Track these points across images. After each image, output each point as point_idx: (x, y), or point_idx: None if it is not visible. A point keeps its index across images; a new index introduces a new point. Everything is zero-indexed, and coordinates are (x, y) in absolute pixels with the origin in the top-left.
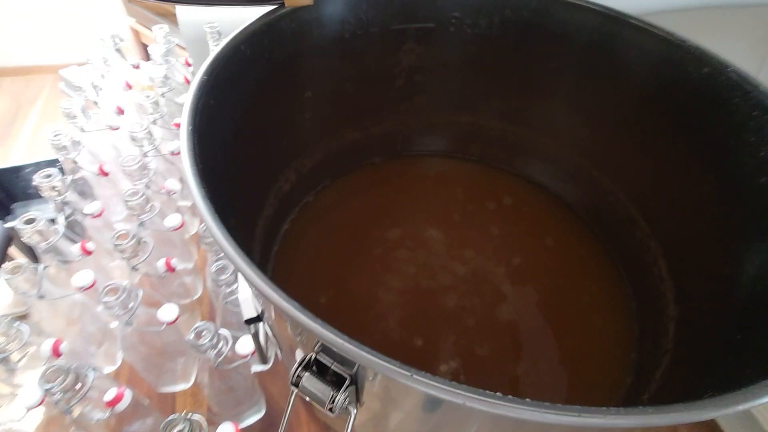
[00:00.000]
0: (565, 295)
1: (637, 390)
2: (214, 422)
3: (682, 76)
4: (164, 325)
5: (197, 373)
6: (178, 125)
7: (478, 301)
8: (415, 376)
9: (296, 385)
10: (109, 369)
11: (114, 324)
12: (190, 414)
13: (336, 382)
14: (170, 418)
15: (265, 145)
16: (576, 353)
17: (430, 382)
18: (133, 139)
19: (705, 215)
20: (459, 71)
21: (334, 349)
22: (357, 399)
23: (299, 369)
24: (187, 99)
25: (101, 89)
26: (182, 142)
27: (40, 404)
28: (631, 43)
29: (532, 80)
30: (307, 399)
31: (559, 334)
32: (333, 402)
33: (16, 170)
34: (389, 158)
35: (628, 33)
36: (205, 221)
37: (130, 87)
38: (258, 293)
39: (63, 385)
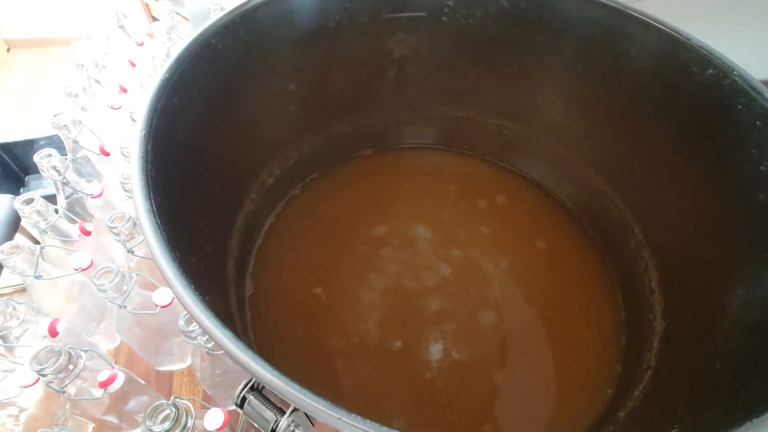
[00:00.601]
0: (552, 301)
1: (616, 405)
2: (208, 406)
3: (685, 76)
4: (158, 309)
5: (190, 357)
6: None
7: (461, 305)
8: (343, 419)
9: (241, 406)
10: (108, 346)
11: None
12: (177, 399)
13: (282, 406)
14: (156, 403)
15: (243, 141)
16: (559, 362)
17: (360, 426)
18: (134, 120)
19: (699, 229)
20: (453, 63)
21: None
22: (311, 422)
23: (244, 390)
24: (143, 101)
25: (104, 67)
26: (133, 150)
27: (34, 383)
28: (634, 39)
29: (530, 75)
30: (252, 423)
31: (543, 342)
32: (276, 427)
33: (29, 143)
34: (381, 150)
35: (631, 28)
36: (153, 253)
37: (133, 65)
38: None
39: (55, 366)
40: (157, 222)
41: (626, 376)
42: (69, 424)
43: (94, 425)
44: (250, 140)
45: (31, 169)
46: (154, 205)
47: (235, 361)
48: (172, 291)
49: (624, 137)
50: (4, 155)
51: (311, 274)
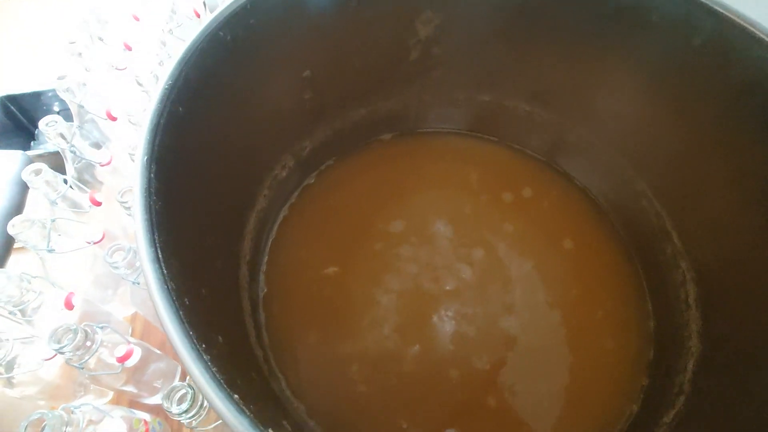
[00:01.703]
0: (577, 307)
1: (644, 425)
2: None
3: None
4: None
5: None
6: None
7: (481, 310)
8: None
9: None
10: (125, 313)
11: None
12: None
13: None
14: (172, 386)
15: (254, 139)
16: (582, 373)
17: None
18: (139, 83)
19: (752, 250)
20: (484, 44)
21: None
22: None
23: None
24: (144, 116)
25: (107, 22)
26: (135, 181)
27: (53, 357)
28: (738, 51)
29: (572, 59)
30: None
31: (566, 351)
32: None
33: (37, 95)
34: (400, 135)
35: (726, 30)
36: (157, 311)
37: (137, 20)
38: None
39: (73, 344)
40: (162, 272)
41: (654, 393)
42: (90, 393)
43: (113, 393)
44: (263, 136)
45: (39, 121)
46: (159, 250)
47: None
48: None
49: (676, 137)
50: (12, 107)
51: (326, 274)
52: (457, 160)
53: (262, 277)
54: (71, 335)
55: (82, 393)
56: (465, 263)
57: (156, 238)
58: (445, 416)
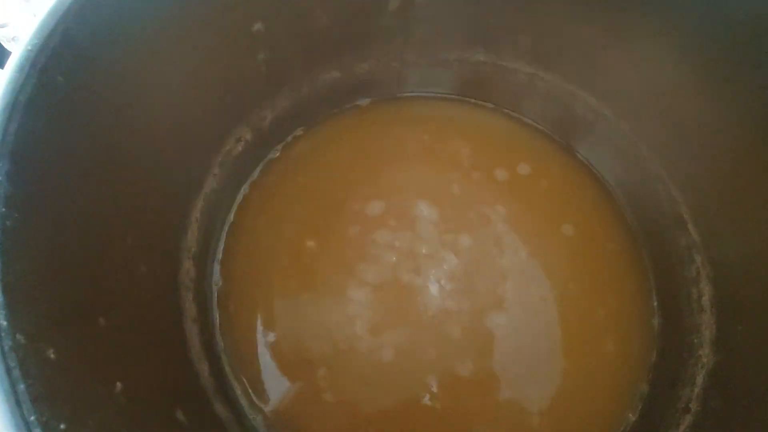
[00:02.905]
0: (576, 304)
1: None
2: None
3: None
4: None
5: None
6: None
7: (467, 305)
8: None
9: None
10: None
11: None
12: None
13: None
14: None
15: (192, 110)
16: (577, 378)
17: None
18: None
19: None
20: None
21: None
22: None
23: None
24: None
25: None
26: None
27: None
28: None
29: (585, 14)
30: None
31: (560, 354)
32: None
33: None
34: (380, 100)
35: None
36: None
37: None
38: None
39: None
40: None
41: (655, 404)
42: None
43: None
44: (204, 106)
45: None
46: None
47: None
48: None
49: (704, 114)
50: None
51: (292, 263)
52: (446, 130)
53: (216, 268)
54: None
55: None
56: (450, 251)
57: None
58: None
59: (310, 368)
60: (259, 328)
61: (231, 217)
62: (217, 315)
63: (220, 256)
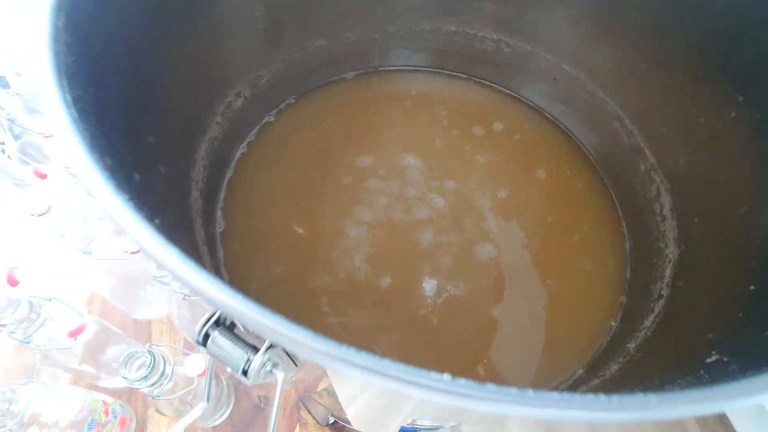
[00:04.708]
0: (553, 233)
1: (624, 336)
2: (189, 353)
3: None
4: (127, 255)
5: (167, 302)
6: None
7: (456, 238)
8: (333, 353)
9: (204, 344)
10: (78, 293)
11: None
12: (154, 346)
13: (254, 342)
14: (131, 351)
15: (201, 47)
16: (559, 295)
17: (356, 362)
18: None
19: (725, 143)
20: None
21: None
22: (292, 360)
23: (207, 326)
24: None
25: None
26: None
27: None
28: None
29: None
30: (220, 363)
31: (543, 275)
32: (248, 367)
33: None
34: (364, 74)
35: None
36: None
37: None
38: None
39: (14, 316)
40: (73, 113)
41: (632, 308)
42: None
43: (70, 375)
44: (211, 49)
45: None
46: (69, 95)
47: (183, 282)
48: (99, 200)
49: (643, 52)
50: None
51: (291, 208)
52: (425, 97)
53: (219, 213)
54: (12, 308)
55: (35, 374)
56: (437, 194)
57: (66, 84)
58: (420, 345)
59: (314, 296)
60: (263, 262)
61: (231, 170)
62: (221, 252)
63: (221, 203)
